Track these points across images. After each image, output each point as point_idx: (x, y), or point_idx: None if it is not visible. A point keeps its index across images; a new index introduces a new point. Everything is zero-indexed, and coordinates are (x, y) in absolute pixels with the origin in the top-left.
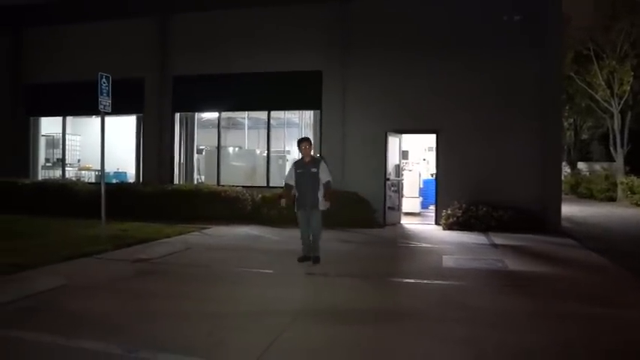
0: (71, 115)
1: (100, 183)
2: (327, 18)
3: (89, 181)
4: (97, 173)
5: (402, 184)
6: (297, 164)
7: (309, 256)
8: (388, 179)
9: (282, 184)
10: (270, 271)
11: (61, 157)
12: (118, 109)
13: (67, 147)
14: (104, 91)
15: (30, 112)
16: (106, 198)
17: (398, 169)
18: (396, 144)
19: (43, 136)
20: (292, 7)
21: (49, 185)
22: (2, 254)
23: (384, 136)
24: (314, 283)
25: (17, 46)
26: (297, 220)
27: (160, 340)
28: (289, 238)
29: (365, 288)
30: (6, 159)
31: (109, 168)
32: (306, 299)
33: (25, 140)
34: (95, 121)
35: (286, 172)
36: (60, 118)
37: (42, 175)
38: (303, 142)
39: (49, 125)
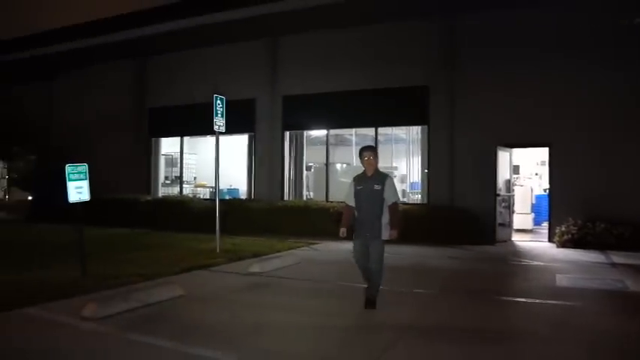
0: (188, 136)
1: (214, 199)
2: (432, 33)
3: (204, 197)
4: (211, 190)
5: (513, 199)
6: (357, 179)
7: (372, 298)
8: (498, 195)
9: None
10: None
11: (178, 174)
12: (231, 129)
13: (184, 165)
14: (219, 112)
15: (152, 134)
16: (220, 213)
17: (509, 185)
18: (506, 158)
19: (162, 155)
20: (398, 24)
21: (167, 201)
22: (127, 265)
23: (494, 151)
24: (421, 300)
25: (141, 73)
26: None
27: (271, 352)
28: (395, 254)
29: (473, 306)
30: (130, 177)
31: (223, 185)
32: (413, 316)
33: (147, 159)
34: (210, 140)
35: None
36: (178, 139)
37: (161, 191)
38: (365, 151)
39: (168, 145)
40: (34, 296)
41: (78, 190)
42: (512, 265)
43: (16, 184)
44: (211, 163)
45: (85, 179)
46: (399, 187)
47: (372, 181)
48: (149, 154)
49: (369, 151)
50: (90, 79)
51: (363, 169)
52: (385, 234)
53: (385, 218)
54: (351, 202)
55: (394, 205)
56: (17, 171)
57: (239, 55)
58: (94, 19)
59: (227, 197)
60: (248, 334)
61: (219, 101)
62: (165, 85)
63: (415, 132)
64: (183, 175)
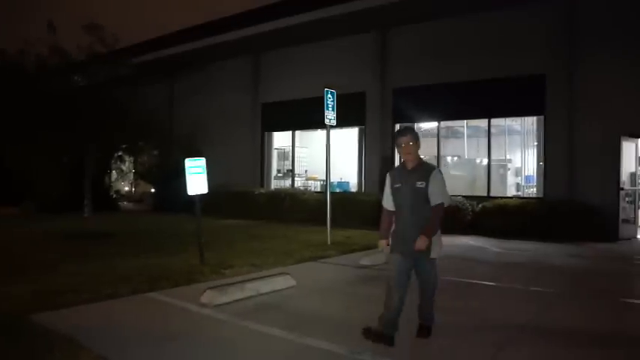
0: (299, 130)
1: (324, 192)
2: (550, 17)
3: (315, 190)
4: (322, 183)
5: (639, 194)
6: (393, 174)
7: (390, 333)
8: (622, 188)
9: (503, 193)
10: (492, 284)
11: (290, 168)
12: (341, 122)
13: (295, 159)
14: (329, 105)
15: (265, 128)
16: (331, 206)
17: (634, 178)
18: (631, 149)
19: (275, 149)
20: (512, 10)
21: (280, 194)
22: (242, 255)
23: (618, 141)
24: (539, 299)
25: (255, 69)
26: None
27: (382, 346)
28: (512, 250)
29: (594, 308)
30: (245, 170)
31: (333, 178)
32: (529, 315)
33: (260, 153)
34: (320, 134)
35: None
36: (290, 133)
37: (274, 184)
38: (401, 135)
39: (281, 139)
40: (156, 282)
41: (197, 183)
42: (637, 265)
43: (141, 178)
44: (322, 156)
45: (203, 172)
46: (512, 180)
47: (413, 175)
48: (262, 147)
49: (406, 136)
50: (207, 77)
51: (483, 162)
52: (436, 250)
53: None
54: (390, 206)
55: (438, 207)
56: (142, 165)
57: (349, 49)
58: (210, 19)
59: (337, 190)
60: (358, 327)
61: (329, 95)
62: (278, 81)
63: (530, 122)
64: (295, 168)
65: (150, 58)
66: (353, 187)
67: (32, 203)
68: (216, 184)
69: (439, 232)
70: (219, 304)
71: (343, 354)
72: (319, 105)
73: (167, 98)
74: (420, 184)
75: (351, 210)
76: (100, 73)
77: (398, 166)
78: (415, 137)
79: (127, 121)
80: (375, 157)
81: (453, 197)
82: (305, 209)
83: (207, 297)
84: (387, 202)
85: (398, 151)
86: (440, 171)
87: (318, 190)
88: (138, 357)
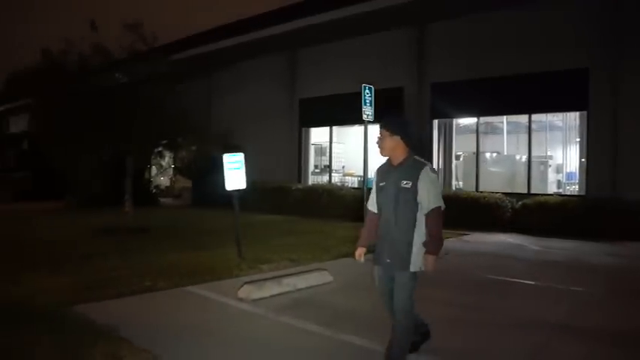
0: (337, 125)
1: (361, 188)
2: (593, 11)
3: (352, 186)
4: (359, 179)
5: None
6: (379, 171)
7: (417, 340)
8: None
9: (544, 191)
10: (531, 283)
11: (327, 163)
12: (379, 118)
13: (332, 154)
14: (367, 101)
15: (302, 124)
16: None
17: None
18: None
19: (312, 144)
20: (554, 3)
21: (317, 189)
22: (279, 250)
23: None
24: (577, 299)
25: (292, 65)
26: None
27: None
28: (551, 248)
29: (632, 308)
30: (283, 166)
31: (369, 174)
32: (569, 315)
33: (298, 149)
34: (358, 129)
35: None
36: (327, 128)
37: (311, 180)
38: (381, 127)
39: (318, 135)
40: (195, 276)
41: (235, 179)
42: None
43: (180, 173)
44: (359, 152)
45: (241, 168)
46: (553, 177)
47: (398, 173)
48: (300, 143)
49: (385, 127)
50: (244, 73)
51: (522, 159)
52: (417, 261)
53: (419, 234)
54: (372, 207)
55: (435, 213)
56: (181, 160)
57: (386, 44)
58: (247, 16)
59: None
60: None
61: (367, 90)
62: (315, 76)
63: (572, 118)
64: (332, 164)
65: (189, 55)
66: None
67: (75, 198)
68: (253, 180)
69: (425, 240)
70: (257, 299)
71: (379, 350)
72: (357, 100)
73: (205, 95)
74: (405, 184)
75: None
76: (140, 70)
77: (385, 162)
78: (392, 129)
79: (167, 118)
80: (412, 153)
81: (492, 194)
82: (342, 205)
83: (245, 291)
84: (371, 203)
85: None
86: (432, 169)
87: (355, 186)
88: (177, 350)
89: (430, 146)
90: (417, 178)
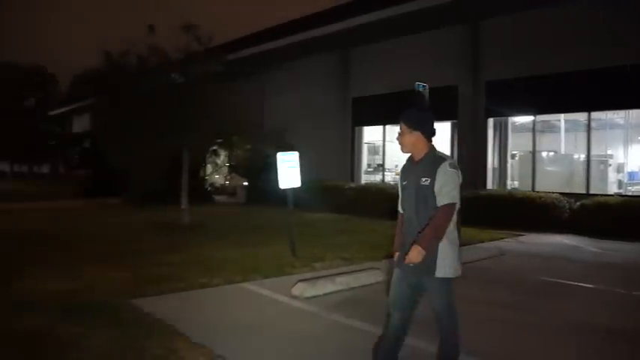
0: (390, 124)
1: None
2: None
3: None
4: None
5: None
6: (403, 169)
7: None
8: None
9: (604, 191)
10: (587, 285)
11: (380, 162)
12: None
13: (385, 153)
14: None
15: (355, 123)
16: None
17: None
18: None
19: (365, 143)
20: None
21: (369, 188)
22: (332, 248)
23: None
24: (635, 303)
25: (344, 64)
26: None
27: (472, 345)
28: (609, 250)
29: None
30: (335, 164)
31: None
32: (623, 320)
33: (351, 148)
34: None
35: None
36: (380, 127)
37: (364, 179)
38: (401, 120)
39: (371, 133)
40: (249, 272)
41: (289, 177)
42: None
43: (235, 171)
44: None
45: (296, 166)
46: (614, 177)
47: (418, 170)
48: (352, 142)
49: (405, 122)
50: (297, 73)
51: (581, 158)
52: (445, 266)
53: (445, 236)
54: (401, 208)
55: (444, 210)
56: (236, 159)
57: (440, 42)
58: (301, 16)
59: None
60: None
61: (421, 89)
62: (368, 75)
63: (635, 116)
64: (385, 162)
65: (243, 55)
66: None
67: (133, 195)
68: (306, 178)
69: (454, 242)
70: (310, 297)
71: (432, 351)
72: (409, 99)
73: (259, 94)
74: (424, 181)
75: None
76: (196, 70)
77: (407, 160)
78: (412, 124)
79: (222, 117)
80: (466, 152)
81: (548, 194)
82: (394, 204)
83: (298, 289)
84: (400, 204)
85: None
86: (452, 164)
87: None
88: (231, 345)
89: (485, 145)
90: (435, 174)
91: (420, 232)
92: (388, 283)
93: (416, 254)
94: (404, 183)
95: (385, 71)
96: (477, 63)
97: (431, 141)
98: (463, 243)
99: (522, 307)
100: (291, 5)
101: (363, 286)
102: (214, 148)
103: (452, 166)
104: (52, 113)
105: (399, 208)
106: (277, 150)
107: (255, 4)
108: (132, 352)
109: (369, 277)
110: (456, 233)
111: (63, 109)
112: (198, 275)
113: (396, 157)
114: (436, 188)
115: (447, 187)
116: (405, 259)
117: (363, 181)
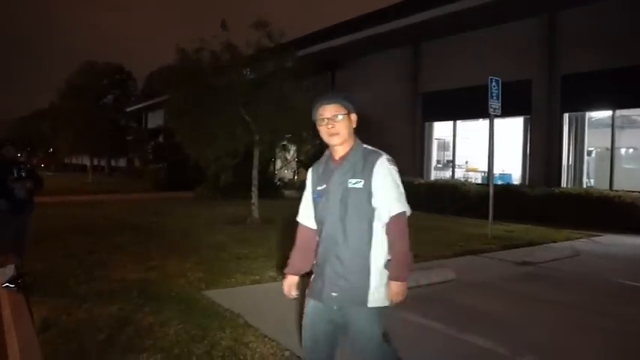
0: (460, 120)
1: (486, 184)
2: None
3: (476, 182)
4: (483, 175)
5: None
6: (315, 169)
7: None
8: None
9: None
10: None
11: (450, 159)
12: (505, 112)
13: (456, 149)
14: (494, 94)
15: (425, 118)
16: (492, 199)
17: None
18: None
19: (435, 139)
20: None
21: (439, 185)
22: None
23: None
24: None
25: (414, 59)
26: None
27: (542, 348)
28: None
29: None
30: (405, 160)
31: (495, 170)
32: None
33: (420, 143)
34: (482, 124)
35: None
36: (450, 123)
37: (434, 175)
38: (323, 103)
39: (440, 129)
40: None
41: None
42: None
43: (303, 166)
44: (483, 147)
45: None
46: None
47: (344, 169)
48: (422, 138)
49: (331, 104)
50: (367, 68)
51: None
52: (379, 293)
53: (379, 253)
54: (306, 220)
55: (398, 222)
56: (305, 154)
57: (513, 35)
58: (371, 10)
59: (499, 182)
60: (519, 327)
61: (494, 83)
62: (438, 70)
63: None
64: (455, 159)
65: (313, 50)
66: (516, 179)
67: (205, 189)
68: None
69: (387, 262)
70: None
71: (503, 354)
72: (482, 94)
73: (328, 89)
74: (355, 183)
75: (514, 203)
76: (267, 66)
77: (322, 158)
78: (347, 106)
79: (292, 112)
80: (540, 149)
81: (628, 193)
82: (465, 201)
83: None
84: (303, 214)
85: (319, 131)
86: (391, 159)
87: (479, 181)
88: (292, 341)
89: (560, 142)
90: (371, 174)
91: (341, 253)
92: (459, 281)
93: (399, 292)
94: (319, 188)
95: (456, 66)
96: (552, 56)
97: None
98: (535, 242)
99: (595, 309)
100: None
101: (432, 284)
102: (284, 143)
103: (391, 162)
104: (128, 110)
105: (302, 220)
106: None
107: None
108: (204, 343)
109: (439, 274)
110: (385, 253)
111: (139, 106)
112: (267, 269)
113: (466, 154)
114: (377, 194)
115: (393, 192)
116: (323, 290)
117: (432, 178)
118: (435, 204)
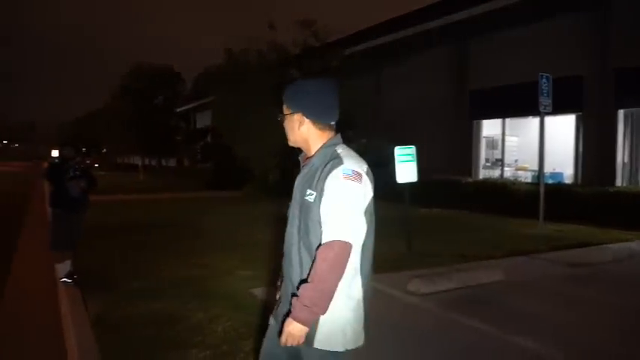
0: (509, 117)
1: (535, 183)
2: None
3: (525, 181)
4: (532, 173)
5: None
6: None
7: None
8: None
9: None
10: None
11: (499, 157)
12: (555, 109)
13: (505, 148)
14: (544, 91)
15: (472, 116)
16: (542, 198)
17: None
18: None
19: (483, 137)
20: None
21: (488, 184)
22: (449, 245)
23: None
24: None
25: (462, 56)
26: None
27: (594, 352)
28: None
29: None
30: (452, 159)
31: (545, 168)
32: None
33: (468, 142)
34: (531, 121)
35: None
36: (499, 120)
37: (482, 174)
38: (284, 99)
39: (489, 127)
40: None
41: (406, 171)
42: None
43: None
44: (533, 145)
45: (413, 161)
46: None
47: (303, 177)
48: (470, 136)
49: (284, 101)
50: (413, 66)
51: None
52: (331, 332)
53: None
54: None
55: (328, 250)
56: None
57: (564, 29)
58: (417, 7)
59: (550, 181)
60: (570, 330)
61: (544, 80)
62: (486, 67)
63: None
64: (504, 157)
65: (359, 49)
66: (567, 178)
67: (253, 188)
68: (422, 173)
69: (351, 296)
70: (426, 294)
71: (554, 357)
72: (531, 91)
73: (374, 87)
74: (308, 195)
75: (565, 203)
76: (313, 65)
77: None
78: (290, 102)
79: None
80: (593, 146)
81: None
82: (514, 201)
83: (414, 285)
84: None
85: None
86: (351, 171)
87: (529, 180)
88: None
89: (614, 139)
90: (323, 187)
91: (301, 280)
92: (507, 282)
93: (294, 333)
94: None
95: (505, 62)
96: (605, 50)
97: (332, 130)
98: (587, 243)
99: None
100: None
101: (480, 284)
102: None
103: (352, 175)
104: (178, 110)
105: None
106: (393, 144)
107: None
108: (252, 340)
109: (488, 275)
110: (358, 282)
111: (188, 106)
112: None
113: (515, 152)
114: (322, 209)
115: (335, 212)
116: (278, 309)
117: (480, 177)
118: (484, 203)
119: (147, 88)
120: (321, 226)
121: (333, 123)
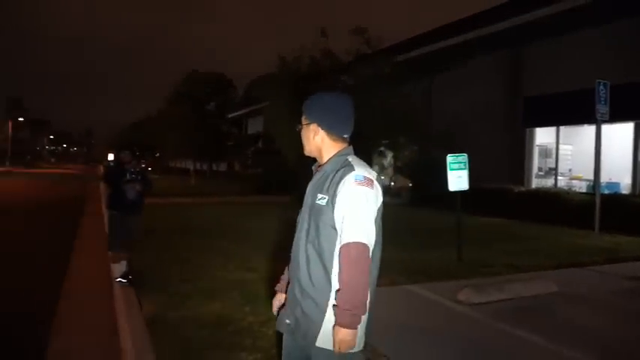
0: (564, 125)
1: (592, 193)
2: None
3: (580, 190)
4: (588, 183)
5: None
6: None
7: None
8: None
9: None
10: None
11: (552, 166)
12: (613, 116)
13: (559, 156)
14: (602, 98)
15: (526, 124)
16: (598, 209)
17: None
18: None
19: (537, 145)
20: None
21: (541, 193)
22: (500, 255)
23: None
24: None
25: (516, 62)
26: None
27: None
28: None
29: None
30: (503, 167)
31: (601, 178)
32: None
33: (521, 150)
34: (586, 129)
35: None
36: (553, 128)
37: (535, 183)
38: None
39: (542, 135)
40: (414, 275)
41: (457, 179)
42: None
43: (400, 172)
44: (588, 154)
45: (465, 169)
46: None
47: (316, 182)
48: (523, 144)
49: (303, 111)
50: (465, 73)
51: None
52: (330, 340)
53: (329, 287)
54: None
55: (350, 253)
56: (402, 160)
57: (620, 35)
58: (471, 13)
59: (606, 191)
60: (627, 346)
61: (602, 87)
62: (542, 73)
63: None
64: (558, 166)
65: (411, 56)
66: (624, 188)
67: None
68: (473, 181)
69: (336, 302)
70: (476, 303)
71: None
72: (587, 98)
73: (426, 94)
74: (320, 199)
75: (622, 214)
76: (366, 72)
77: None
78: (308, 112)
79: (390, 118)
80: None
81: None
82: (568, 210)
83: (465, 294)
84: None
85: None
86: (364, 177)
87: (583, 190)
88: (394, 346)
89: None
90: (335, 191)
91: (302, 276)
92: (561, 294)
93: (346, 340)
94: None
95: (561, 69)
96: None
97: (345, 142)
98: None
99: None
100: (463, 3)
101: (533, 295)
102: (381, 149)
103: (362, 181)
104: (230, 116)
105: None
106: (445, 152)
107: (426, 3)
108: None
109: (540, 286)
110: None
111: (239, 112)
112: None
113: (569, 161)
114: (337, 216)
115: (351, 216)
116: (282, 315)
117: (533, 186)
118: (537, 213)
119: (200, 94)
120: (333, 230)
121: (346, 136)
